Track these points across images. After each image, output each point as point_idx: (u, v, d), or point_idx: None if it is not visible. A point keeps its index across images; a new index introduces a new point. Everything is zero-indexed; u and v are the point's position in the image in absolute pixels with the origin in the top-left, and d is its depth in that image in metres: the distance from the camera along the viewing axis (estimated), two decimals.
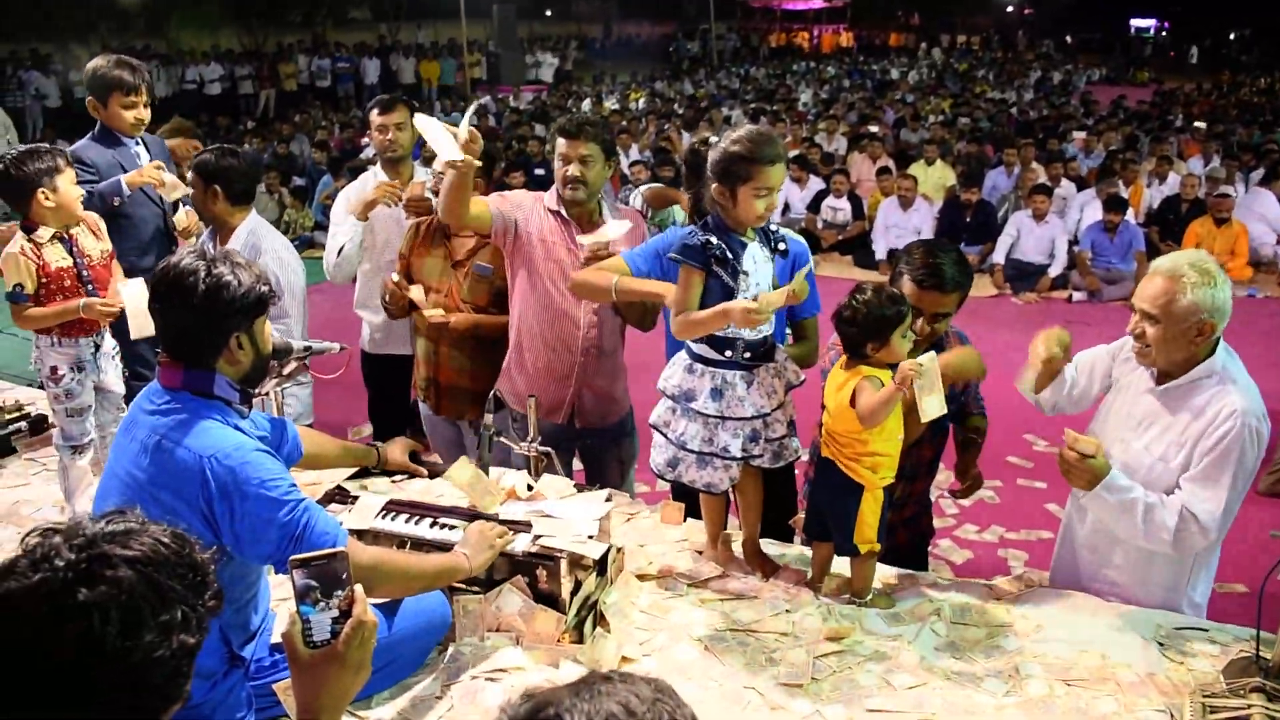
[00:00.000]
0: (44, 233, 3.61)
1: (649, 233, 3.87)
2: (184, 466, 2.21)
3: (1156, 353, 2.76)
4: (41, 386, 3.82)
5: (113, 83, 4.30)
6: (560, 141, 3.58)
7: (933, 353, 2.68)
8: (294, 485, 2.29)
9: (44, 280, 3.61)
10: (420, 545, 2.73)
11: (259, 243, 4.15)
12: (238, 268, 2.30)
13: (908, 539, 3.42)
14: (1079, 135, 14.65)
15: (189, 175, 4.20)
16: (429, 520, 2.82)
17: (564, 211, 3.64)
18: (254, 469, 2.23)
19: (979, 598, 2.92)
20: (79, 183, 3.80)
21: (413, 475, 3.13)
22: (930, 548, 4.67)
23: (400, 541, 2.76)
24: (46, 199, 3.57)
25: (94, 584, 1.31)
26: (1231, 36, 46.98)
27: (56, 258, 3.64)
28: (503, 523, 2.76)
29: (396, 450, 3.17)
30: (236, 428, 2.33)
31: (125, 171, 4.36)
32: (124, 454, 2.31)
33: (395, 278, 3.95)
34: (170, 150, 4.81)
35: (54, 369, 3.66)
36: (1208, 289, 2.65)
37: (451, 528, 2.79)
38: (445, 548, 2.66)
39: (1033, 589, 2.98)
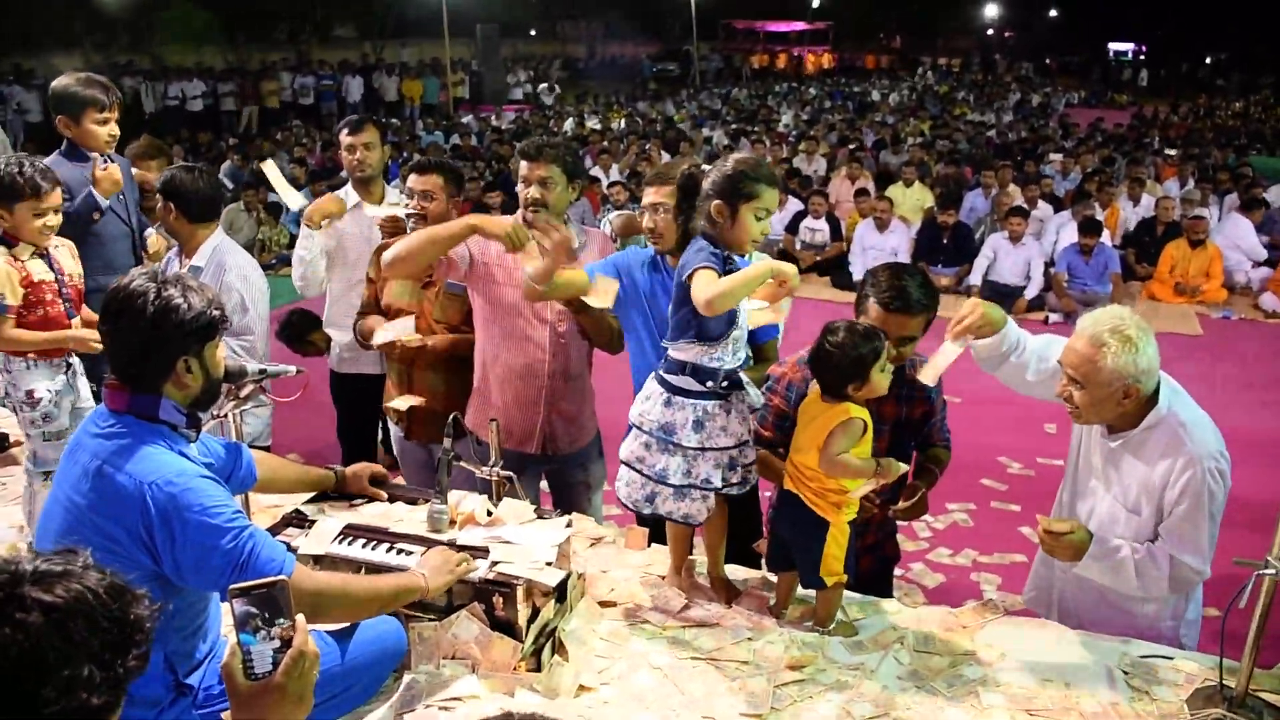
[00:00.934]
0: (24, 249, 3.57)
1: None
2: (124, 493, 2.16)
3: (1085, 414, 2.77)
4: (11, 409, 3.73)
5: (87, 100, 4.27)
6: (522, 164, 3.54)
7: (905, 466, 2.78)
8: (239, 512, 2.25)
9: (26, 291, 3.56)
10: (377, 570, 2.69)
11: (223, 259, 4.09)
12: (189, 290, 2.26)
13: (871, 565, 3.36)
14: (1056, 158, 14.76)
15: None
16: (386, 545, 2.78)
17: None
18: (196, 495, 2.18)
19: (943, 625, 2.90)
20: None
21: (372, 499, 3.08)
22: (902, 571, 4.67)
23: (357, 567, 2.72)
24: (1, 219, 3.52)
25: (0, 625, 1.27)
26: (1208, 60, 47.56)
27: (39, 271, 3.60)
28: (460, 549, 2.72)
29: (357, 475, 3.11)
30: (181, 453, 2.29)
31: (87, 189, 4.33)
32: (66, 478, 2.27)
33: (389, 335, 3.84)
34: (137, 180, 4.77)
35: (30, 393, 3.58)
36: (1129, 355, 2.62)
37: (409, 553, 2.74)
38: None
39: (997, 616, 2.95)
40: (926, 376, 2.87)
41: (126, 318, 2.23)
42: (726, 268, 2.68)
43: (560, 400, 3.66)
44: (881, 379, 2.76)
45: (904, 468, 2.72)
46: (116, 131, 4.41)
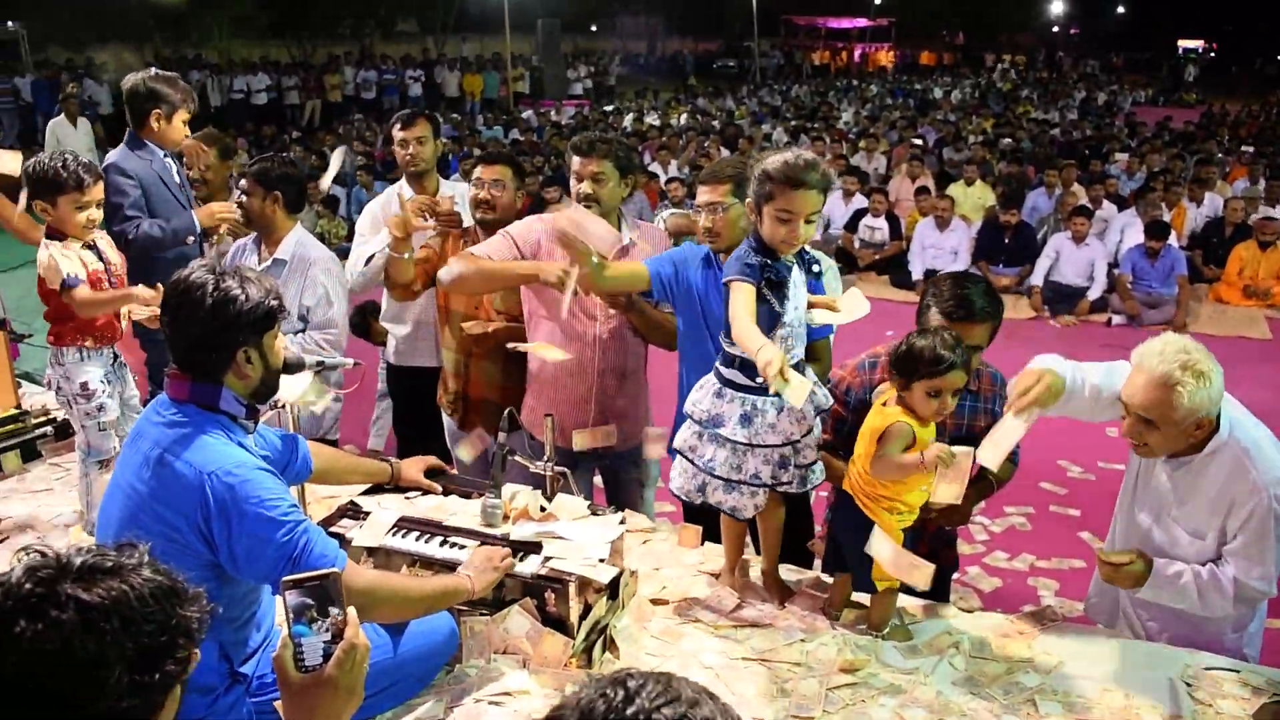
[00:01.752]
0: (72, 242, 3.63)
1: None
2: (184, 482, 2.19)
3: (1157, 450, 2.72)
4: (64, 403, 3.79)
5: (180, 101, 4.45)
6: (574, 159, 3.55)
7: (969, 450, 2.61)
8: (295, 505, 2.27)
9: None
10: (430, 563, 2.71)
11: (307, 254, 4.16)
12: (247, 282, 2.29)
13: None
14: (1122, 157, 14.46)
15: (243, 182, 4.21)
16: (439, 539, 2.79)
17: None
18: (254, 487, 2.21)
19: (999, 631, 2.85)
20: (118, 193, 3.84)
21: (427, 492, 3.10)
22: (958, 575, 4.60)
23: (410, 559, 2.74)
24: (45, 212, 3.59)
25: (33, 619, 1.28)
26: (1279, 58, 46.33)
27: (91, 261, 3.66)
28: (514, 544, 2.73)
29: (413, 467, 3.14)
30: (240, 444, 2.32)
31: (164, 182, 4.44)
32: (128, 466, 2.31)
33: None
34: (185, 149, 4.84)
35: (85, 384, 3.63)
36: (1204, 390, 2.55)
37: (462, 547, 2.76)
38: (454, 566, 2.63)
39: (1055, 623, 2.89)
40: (987, 458, 2.68)
41: (186, 309, 2.26)
42: (764, 276, 2.66)
43: (611, 398, 3.66)
44: (926, 400, 2.65)
45: (955, 450, 2.58)
46: (188, 131, 4.57)
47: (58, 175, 3.54)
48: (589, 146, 3.52)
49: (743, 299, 2.66)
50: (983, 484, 3.18)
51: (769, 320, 2.69)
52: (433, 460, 3.21)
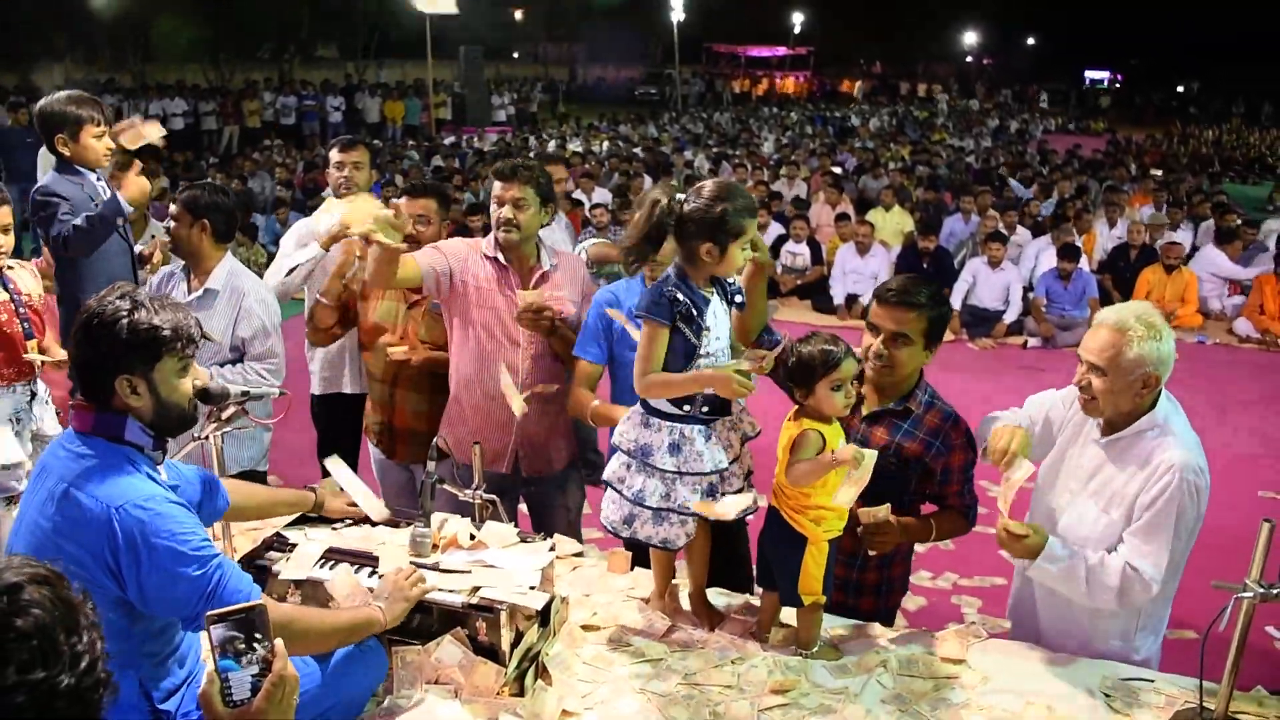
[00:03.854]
0: None
1: (590, 281, 3.87)
2: (90, 516, 2.12)
3: (1103, 404, 2.79)
4: None
5: (84, 116, 4.28)
6: (495, 184, 3.57)
7: (874, 453, 2.65)
8: (207, 540, 2.21)
9: None
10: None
11: (240, 284, 4.07)
12: (140, 308, 2.20)
13: (874, 607, 3.24)
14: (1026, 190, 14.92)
15: (171, 209, 4.12)
16: (368, 569, 2.76)
17: (501, 257, 3.60)
18: (165, 521, 2.14)
19: (926, 648, 2.90)
20: (40, 212, 3.82)
21: (355, 521, 3.06)
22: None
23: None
24: None
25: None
26: (1180, 89, 48.27)
27: None
28: (439, 570, 2.71)
29: (337, 496, 3.09)
30: (149, 476, 2.25)
31: (93, 203, 4.32)
32: (33, 502, 2.23)
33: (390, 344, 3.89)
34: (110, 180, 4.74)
35: None
36: (1153, 342, 2.69)
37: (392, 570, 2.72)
38: None
39: (980, 639, 2.95)
40: (1002, 504, 2.77)
41: (79, 329, 2.21)
42: (675, 310, 2.68)
43: (533, 423, 3.65)
44: (831, 397, 2.76)
45: (865, 452, 2.61)
46: (112, 145, 4.44)
47: None
48: (511, 172, 3.54)
49: (650, 343, 2.71)
50: (918, 525, 3.13)
51: (685, 352, 2.73)
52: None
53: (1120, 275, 10.51)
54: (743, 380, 2.64)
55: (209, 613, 1.69)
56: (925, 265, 10.41)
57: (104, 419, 2.24)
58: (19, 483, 3.55)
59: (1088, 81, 52.11)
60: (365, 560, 2.80)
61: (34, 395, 3.68)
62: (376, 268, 3.33)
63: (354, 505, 3.06)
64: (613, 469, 2.90)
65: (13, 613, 1.28)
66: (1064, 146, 22.27)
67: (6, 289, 3.60)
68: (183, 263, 4.21)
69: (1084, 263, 10.06)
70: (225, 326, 3.99)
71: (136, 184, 4.28)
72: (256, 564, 2.79)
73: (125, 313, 2.18)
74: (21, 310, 3.62)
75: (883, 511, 2.90)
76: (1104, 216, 11.99)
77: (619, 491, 2.87)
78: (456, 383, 3.68)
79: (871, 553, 3.05)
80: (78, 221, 4.12)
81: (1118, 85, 52.88)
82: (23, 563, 1.34)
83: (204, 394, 2.45)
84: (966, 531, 3.27)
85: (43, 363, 3.64)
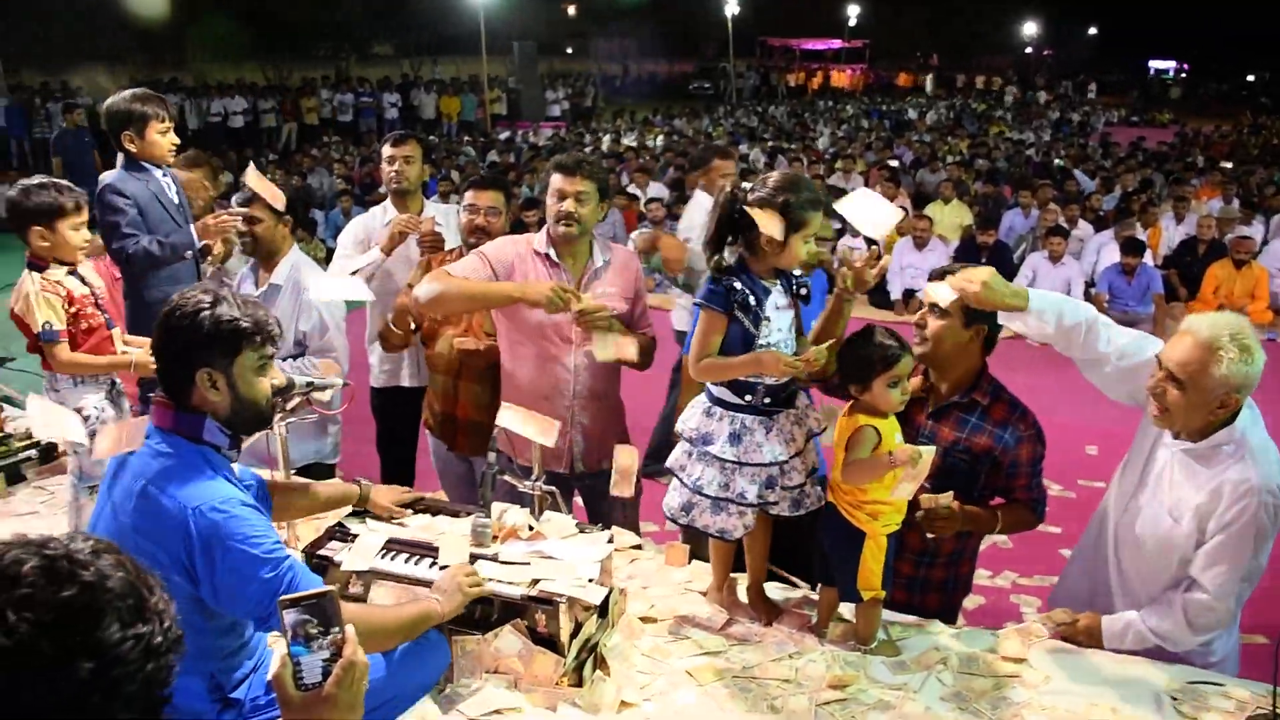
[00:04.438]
0: (55, 269, 3.62)
1: (643, 274, 3.87)
2: (167, 515, 2.16)
3: (1175, 417, 2.68)
4: None
5: (149, 114, 4.38)
6: (556, 177, 3.53)
7: (932, 449, 2.63)
8: (279, 543, 2.24)
9: (72, 309, 3.62)
10: (420, 585, 2.70)
11: (301, 278, 4.17)
12: (222, 301, 2.24)
13: (940, 604, 3.21)
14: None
15: (254, 209, 4.21)
16: (429, 560, 2.79)
17: (553, 254, 3.57)
18: (239, 524, 2.18)
19: (986, 647, 2.87)
20: (116, 212, 3.84)
21: (397, 521, 3.05)
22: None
23: (399, 581, 2.73)
24: (41, 238, 3.58)
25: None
26: (1250, 79, 47.08)
27: (76, 287, 3.66)
28: (499, 562, 2.74)
29: (384, 495, 3.07)
30: (226, 478, 2.29)
31: (160, 201, 4.42)
32: (111, 497, 2.28)
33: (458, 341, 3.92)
34: (184, 183, 4.84)
35: (79, 410, 3.60)
36: (1243, 365, 2.56)
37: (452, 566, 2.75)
38: None
39: (1042, 638, 2.92)
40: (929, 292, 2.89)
41: (160, 323, 2.25)
42: (732, 299, 2.70)
43: (586, 419, 3.66)
44: (888, 393, 2.74)
45: (922, 450, 2.59)
46: (177, 140, 4.55)
47: (57, 200, 3.56)
48: (575, 165, 3.52)
49: (706, 330, 2.74)
50: (984, 514, 3.08)
51: (743, 341, 2.74)
52: (405, 493, 3.15)
53: (1187, 270, 10.28)
54: (790, 361, 2.63)
55: (281, 597, 1.72)
56: (983, 260, 10.28)
57: (183, 417, 2.27)
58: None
59: (1152, 71, 51.07)
60: (426, 551, 2.82)
61: (113, 385, 3.77)
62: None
63: (402, 505, 3.08)
64: (675, 456, 2.92)
65: (104, 574, 1.31)
66: (1127, 139, 21.84)
67: (84, 283, 3.69)
68: (250, 262, 4.31)
69: (1148, 257, 9.85)
70: (288, 320, 4.08)
71: (202, 224, 4.42)
72: (319, 554, 2.83)
73: (207, 306, 2.22)
74: (100, 302, 3.72)
75: (945, 498, 2.87)
76: (1170, 210, 11.74)
77: (680, 479, 2.88)
78: (510, 383, 3.66)
79: (930, 535, 3.01)
80: (150, 246, 4.28)
81: (1184, 75, 51.75)
82: (81, 536, 1.37)
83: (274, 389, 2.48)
84: (1034, 526, 3.21)
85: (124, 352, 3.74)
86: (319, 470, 4.29)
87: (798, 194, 2.68)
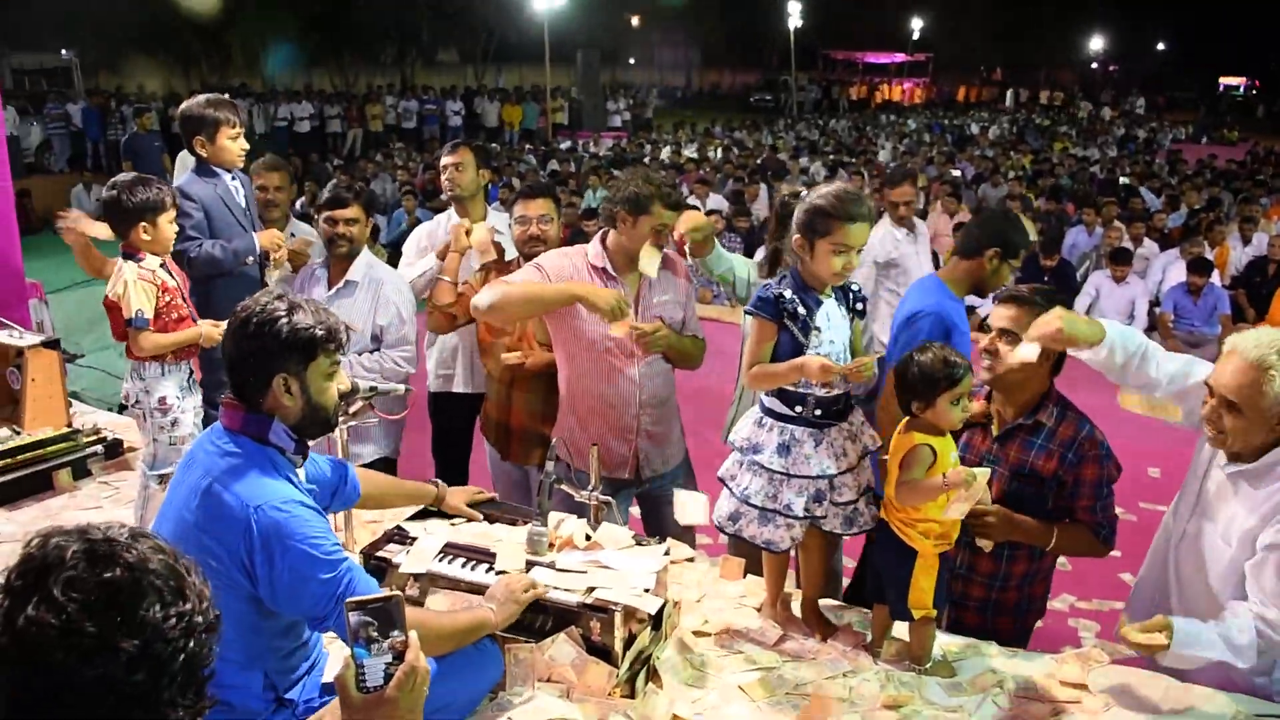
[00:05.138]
0: (151, 261, 3.74)
1: (695, 280, 3.90)
2: (230, 513, 2.20)
3: (1233, 440, 2.63)
4: (127, 412, 3.88)
5: (221, 119, 4.48)
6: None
7: (988, 471, 2.60)
8: (338, 545, 2.28)
9: (165, 299, 3.73)
10: (477, 590, 2.72)
11: (379, 274, 4.37)
12: (297, 308, 2.30)
13: (1012, 628, 3.15)
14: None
15: (349, 210, 4.37)
16: (485, 565, 2.82)
17: (610, 267, 3.59)
18: (299, 524, 2.22)
19: (1044, 671, 2.83)
20: (181, 215, 4.01)
21: (469, 520, 3.13)
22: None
23: (455, 585, 2.76)
24: (145, 233, 3.70)
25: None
26: None
27: (167, 278, 3.78)
28: (555, 570, 2.75)
29: (459, 495, 3.15)
30: (289, 479, 2.33)
31: (226, 205, 4.52)
32: (179, 493, 2.33)
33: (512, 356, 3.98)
34: (263, 188, 4.97)
35: (163, 399, 3.73)
36: None
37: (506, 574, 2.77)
38: None
39: (1102, 664, 2.87)
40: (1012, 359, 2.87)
41: (235, 328, 2.30)
42: (781, 307, 2.71)
43: (651, 426, 3.68)
44: (950, 411, 2.72)
45: (976, 473, 2.56)
46: (247, 145, 4.65)
47: (160, 195, 3.70)
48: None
49: (756, 338, 2.76)
50: (1042, 527, 3.01)
51: (792, 350, 2.75)
52: (478, 491, 3.24)
53: (1256, 291, 10.04)
54: (834, 366, 2.63)
55: (348, 599, 1.75)
56: (1046, 280, 10.10)
57: (252, 418, 2.32)
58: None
59: (1221, 88, 50.09)
60: (483, 556, 2.85)
61: (191, 373, 3.87)
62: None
63: (474, 507, 3.12)
64: (726, 466, 2.93)
65: (144, 557, 1.35)
66: (1195, 156, 21.43)
67: (172, 275, 3.81)
68: (320, 260, 4.45)
69: (1215, 277, 9.65)
70: (365, 315, 4.27)
71: (267, 235, 4.51)
72: (377, 556, 2.87)
73: (284, 313, 2.28)
74: (185, 296, 3.84)
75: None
76: (1238, 230, 11.49)
77: (729, 488, 2.90)
78: (572, 394, 3.68)
79: (980, 544, 2.98)
80: (214, 251, 4.39)
81: (1254, 92, 50.69)
82: (118, 526, 1.41)
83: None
84: (1100, 554, 3.10)
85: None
86: (381, 465, 4.40)
87: (829, 202, 2.70)
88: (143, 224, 3.68)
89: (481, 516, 3.13)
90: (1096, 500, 3.01)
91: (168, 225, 3.75)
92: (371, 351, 4.26)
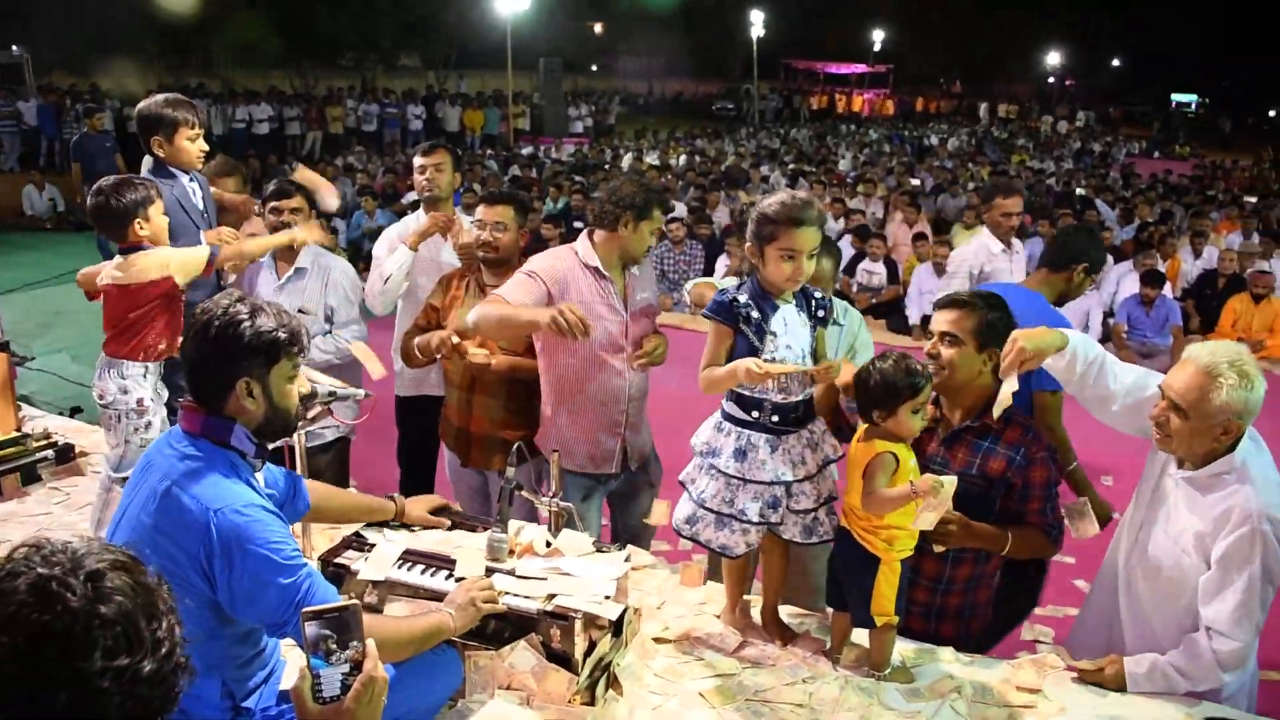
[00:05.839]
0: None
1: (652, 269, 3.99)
2: (189, 517, 2.17)
3: (1178, 444, 2.72)
4: (79, 416, 3.82)
5: (180, 119, 4.42)
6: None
7: (954, 479, 2.62)
8: (298, 551, 2.25)
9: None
10: (436, 597, 2.70)
11: (325, 260, 4.53)
12: (259, 311, 2.28)
13: (954, 633, 3.17)
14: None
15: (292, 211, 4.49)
16: (445, 572, 2.80)
17: (601, 267, 3.66)
18: (260, 529, 2.19)
19: (1000, 677, 2.86)
20: None
21: (434, 527, 3.10)
22: None
23: (414, 592, 2.74)
24: (141, 227, 3.68)
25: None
26: (1271, 114, 47.02)
27: None
28: (515, 576, 2.74)
29: (419, 505, 3.12)
30: (249, 483, 2.30)
31: (183, 206, 4.46)
32: (135, 496, 2.29)
33: (454, 340, 3.93)
34: (229, 203, 4.94)
35: (140, 400, 3.71)
36: (1243, 391, 2.60)
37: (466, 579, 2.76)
38: None
39: (1058, 669, 2.90)
40: (994, 412, 2.85)
41: (197, 331, 2.26)
42: (736, 311, 2.74)
43: (636, 419, 3.78)
44: (911, 420, 2.76)
45: (944, 480, 2.58)
46: (206, 147, 4.59)
47: (145, 191, 3.74)
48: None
49: (711, 342, 2.79)
50: (995, 532, 3.03)
51: (747, 354, 2.76)
52: (438, 499, 3.21)
53: (1205, 303, 10.23)
54: (766, 366, 2.64)
55: (304, 609, 1.72)
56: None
57: (212, 421, 2.29)
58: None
59: (1174, 104, 51.02)
60: (442, 563, 2.83)
61: (160, 375, 3.82)
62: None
63: (435, 515, 3.10)
64: (687, 470, 2.96)
65: (97, 600, 1.30)
66: (1148, 171, 21.81)
67: None
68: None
69: (1167, 289, 9.82)
70: (318, 300, 4.41)
71: (215, 233, 4.47)
72: (335, 563, 2.84)
73: (246, 316, 2.25)
74: None
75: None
76: (1189, 243, 11.70)
77: (688, 491, 2.93)
78: (559, 393, 3.71)
79: (937, 549, 3.00)
80: None
81: (1205, 108, 51.73)
82: (102, 548, 1.37)
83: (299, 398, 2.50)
84: (1050, 553, 3.21)
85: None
86: (337, 445, 4.57)
87: (774, 208, 2.73)
88: (137, 220, 3.68)
89: (447, 524, 3.10)
90: (1046, 502, 3.07)
91: (159, 216, 3.77)
92: (326, 334, 4.43)
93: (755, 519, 2.81)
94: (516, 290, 3.56)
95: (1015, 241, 5.96)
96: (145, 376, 3.72)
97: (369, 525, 3.06)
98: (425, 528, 3.07)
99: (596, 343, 3.59)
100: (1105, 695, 2.78)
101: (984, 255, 5.78)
